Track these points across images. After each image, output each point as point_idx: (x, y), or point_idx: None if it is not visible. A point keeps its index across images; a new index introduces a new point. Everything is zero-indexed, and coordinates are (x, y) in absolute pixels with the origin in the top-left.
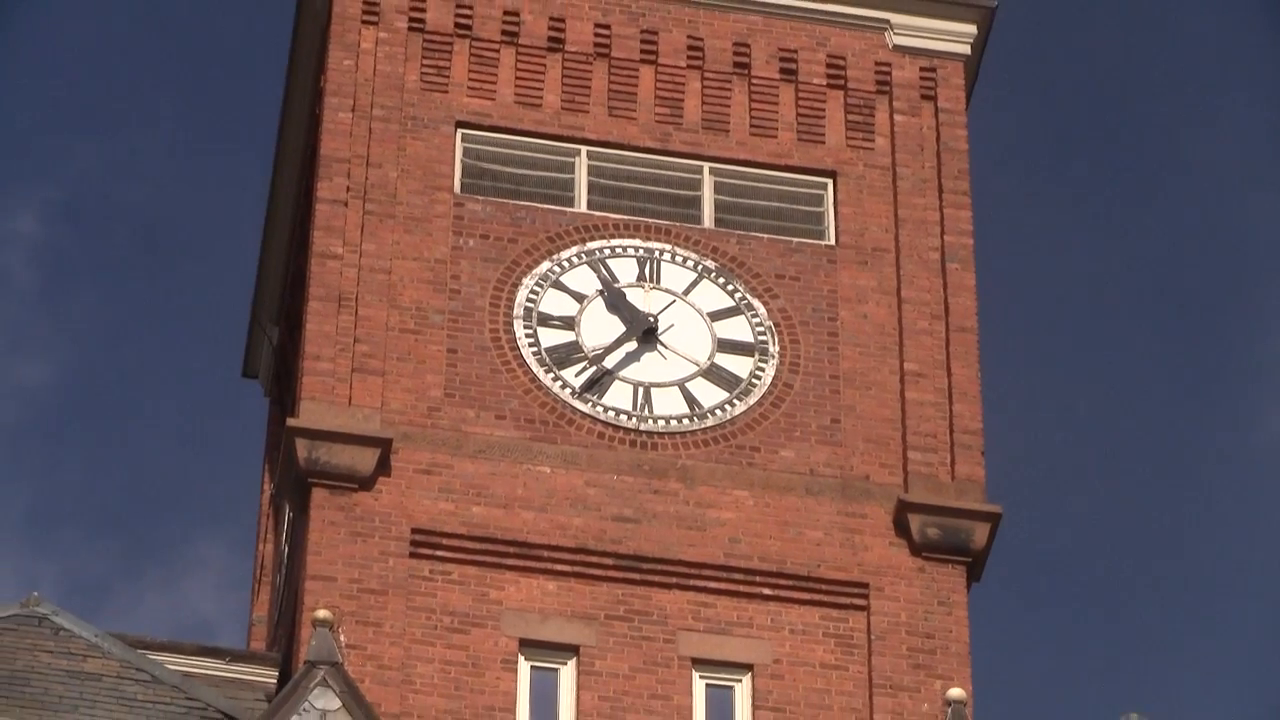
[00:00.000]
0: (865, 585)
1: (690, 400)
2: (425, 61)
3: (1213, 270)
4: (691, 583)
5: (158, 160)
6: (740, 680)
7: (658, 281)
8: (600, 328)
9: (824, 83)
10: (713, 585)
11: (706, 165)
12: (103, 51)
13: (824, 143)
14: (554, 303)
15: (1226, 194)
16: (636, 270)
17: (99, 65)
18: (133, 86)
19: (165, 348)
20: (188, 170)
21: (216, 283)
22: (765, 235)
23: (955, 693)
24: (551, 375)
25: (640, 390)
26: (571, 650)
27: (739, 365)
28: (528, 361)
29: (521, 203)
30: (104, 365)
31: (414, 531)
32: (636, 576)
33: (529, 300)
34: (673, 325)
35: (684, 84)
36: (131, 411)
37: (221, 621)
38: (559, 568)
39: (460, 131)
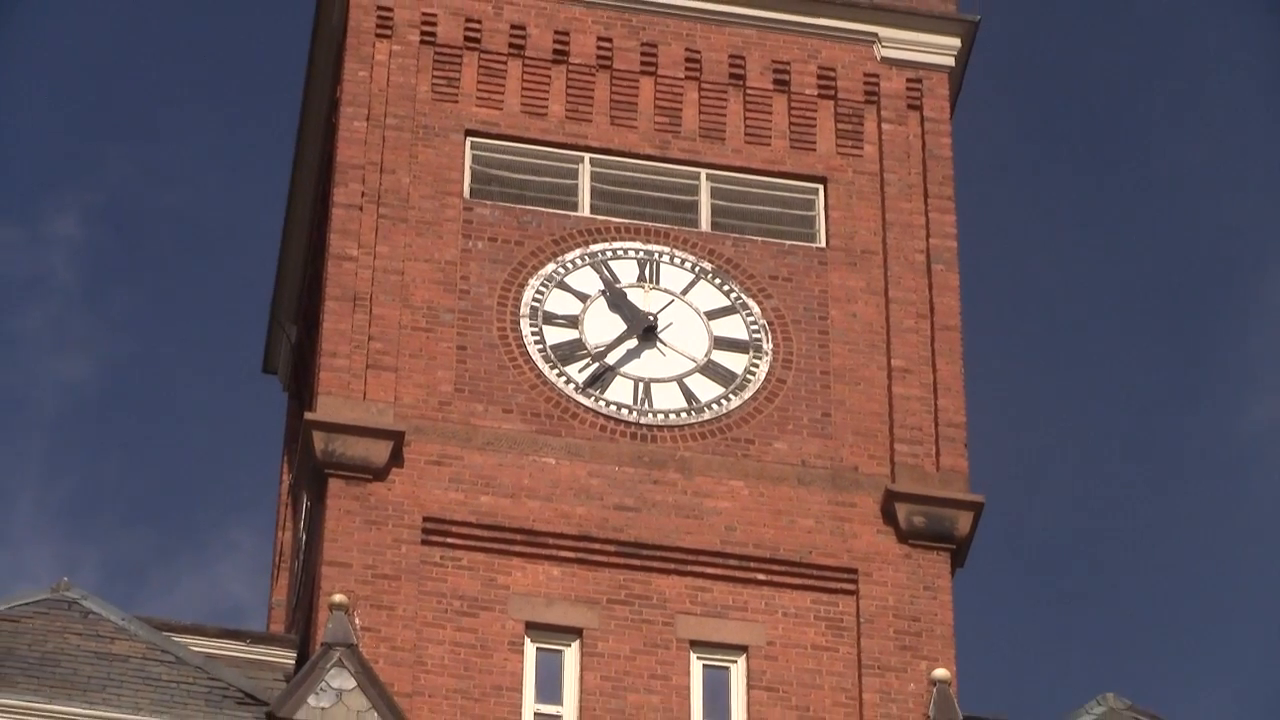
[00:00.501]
0: (854, 571)
1: (688, 395)
2: (436, 73)
3: (1193, 269)
4: (689, 568)
5: (187, 167)
6: (735, 661)
7: (657, 282)
8: (602, 326)
9: (815, 93)
10: (709, 571)
11: (703, 171)
12: (137, 66)
13: (815, 150)
14: (558, 302)
15: (1206, 196)
16: (637, 271)
17: (134, 79)
18: (164, 98)
19: (193, 344)
20: (213, 176)
21: (238, 283)
22: (759, 238)
23: (940, 673)
24: (556, 371)
25: (640, 385)
26: (575, 633)
27: (734, 362)
28: (533, 358)
29: (527, 207)
30: (139, 361)
31: (425, 520)
32: (637, 562)
33: (535, 300)
34: (671, 324)
35: (682, 94)
36: (164, 405)
37: (253, 604)
38: (563, 554)
39: (469, 139)
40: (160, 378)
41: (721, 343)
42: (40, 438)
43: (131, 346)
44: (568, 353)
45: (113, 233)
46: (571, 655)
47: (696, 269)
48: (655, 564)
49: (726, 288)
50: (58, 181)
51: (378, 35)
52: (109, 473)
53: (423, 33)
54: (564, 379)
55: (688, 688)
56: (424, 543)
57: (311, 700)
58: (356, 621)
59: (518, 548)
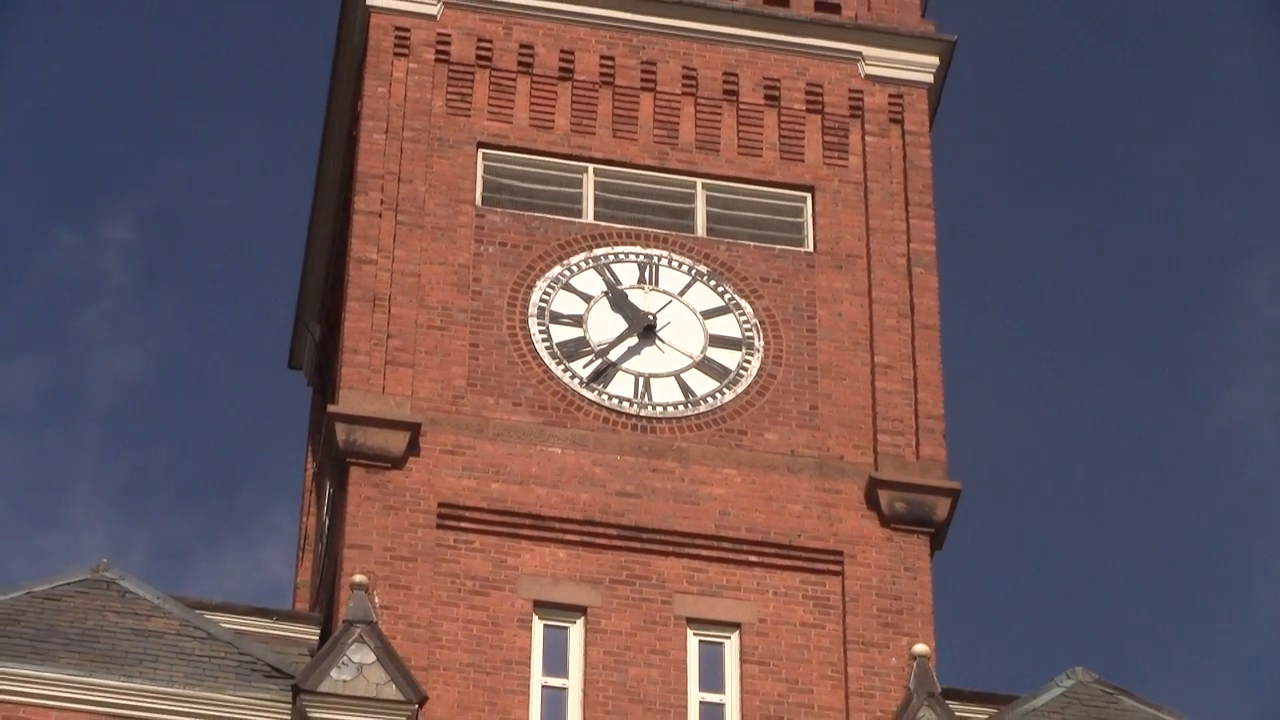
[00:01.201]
0: (840, 553)
1: (685, 389)
2: (450, 89)
3: (1167, 270)
4: (686, 551)
5: (225, 176)
6: (729, 637)
7: (656, 284)
8: (605, 325)
9: (803, 108)
10: (705, 553)
11: (699, 181)
12: (182, 86)
13: (803, 161)
14: (564, 303)
15: (1181, 200)
16: (637, 274)
17: (180, 97)
18: (206, 114)
19: (231, 341)
20: (245, 185)
21: (266, 284)
22: (751, 243)
23: (920, 648)
24: (562, 367)
25: (641, 380)
26: (580, 611)
27: (728, 358)
28: (541, 355)
29: (535, 214)
30: (185, 356)
31: (440, 505)
32: (637, 545)
33: (542, 300)
34: (669, 323)
35: (679, 109)
36: (208, 397)
37: (290, 583)
38: (569, 537)
39: (481, 151)
40: (204, 371)
41: (716, 340)
42: (94, 427)
43: (178, 343)
44: (573, 350)
45: (162, 237)
46: (576, 632)
47: (693, 271)
48: (654, 546)
49: (721, 289)
50: (113, 189)
51: (396, 54)
52: (157, 460)
53: (438, 51)
54: (569, 374)
55: (685, 662)
56: (439, 527)
57: (334, 674)
58: (376, 600)
59: (526, 531)
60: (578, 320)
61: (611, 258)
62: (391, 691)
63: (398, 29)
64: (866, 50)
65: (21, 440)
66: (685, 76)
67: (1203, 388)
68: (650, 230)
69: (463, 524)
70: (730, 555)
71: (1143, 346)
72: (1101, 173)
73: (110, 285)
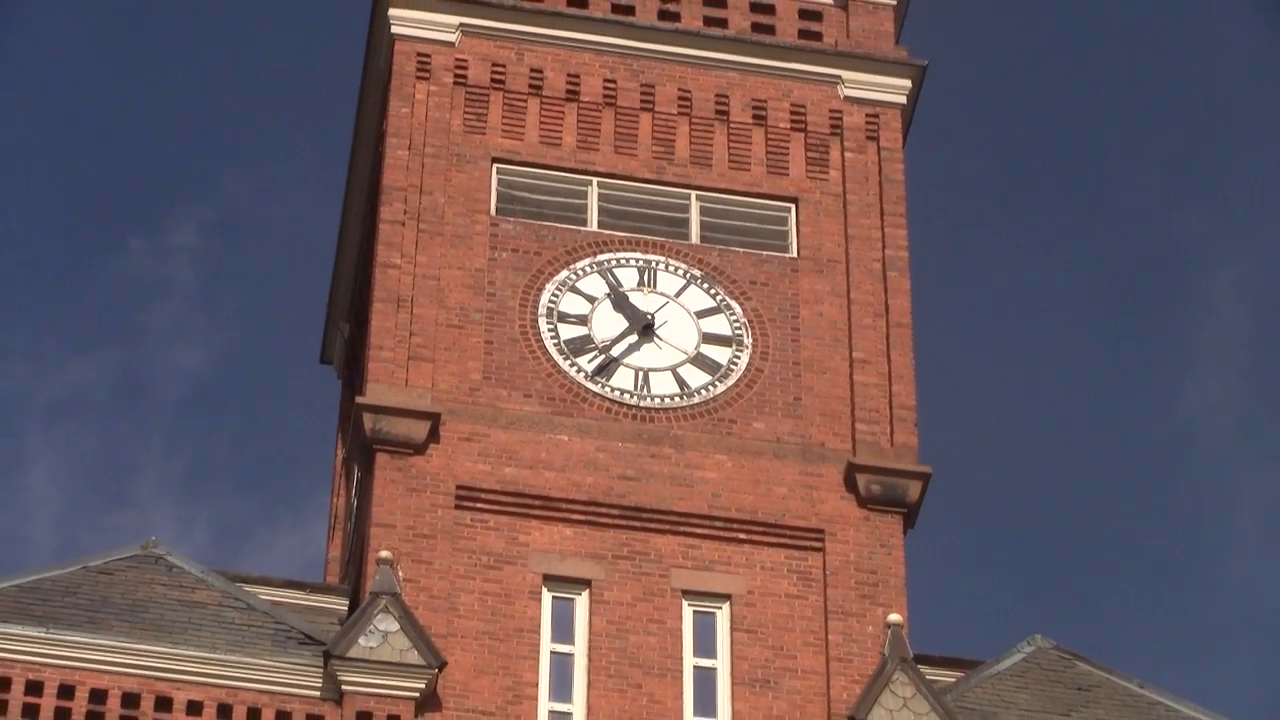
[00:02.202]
0: (821, 531)
1: (680, 382)
2: (467, 109)
3: (1135, 271)
4: (681, 529)
5: (274, 190)
6: (721, 608)
7: (654, 286)
8: (608, 324)
9: (788, 126)
10: (699, 531)
11: (693, 193)
12: (236, 109)
13: (788, 175)
14: (570, 303)
15: (1146, 211)
16: (637, 277)
17: (235, 120)
18: (255, 134)
19: (277, 338)
20: (284, 197)
21: (299, 286)
22: (741, 249)
23: (894, 618)
24: (569, 362)
25: (640, 374)
26: (585, 583)
27: (720, 354)
28: (549, 351)
29: (544, 223)
30: (241, 352)
31: (458, 488)
32: (637, 524)
33: (550, 301)
34: (666, 322)
35: (675, 127)
36: (259, 389)
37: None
38: (575, 517)
39: (495, 165)
40: (257, 366)
41: (709, 338)
42: (162, 417)
43: (235, 340)
44: (578, 346)
45: (223, 243)
46: (582, 603)
47: (688, 275)
48: (653, 525)
49: (713, 291)
50: (179, 199)
51: (418, 77)
52: (217, 446)
53: (455, 75)
54: (575, 369)
55: (680, 630)
56: (457, 507)
57: (362, 641)
58: (400, 574)
59: (536, 511)
60: (583, 319)
61: (614, 262)
62: (414, 657)
63: (419, 54)
64: (845, 74)
65: (95, 428)
66: (681, 98)
67: (1168, 380)
68: (649, 237)
69: (478, 505)
70: (721, 533)
71: (1112, 343)
72: (1070, 183)
73: (175, 287)
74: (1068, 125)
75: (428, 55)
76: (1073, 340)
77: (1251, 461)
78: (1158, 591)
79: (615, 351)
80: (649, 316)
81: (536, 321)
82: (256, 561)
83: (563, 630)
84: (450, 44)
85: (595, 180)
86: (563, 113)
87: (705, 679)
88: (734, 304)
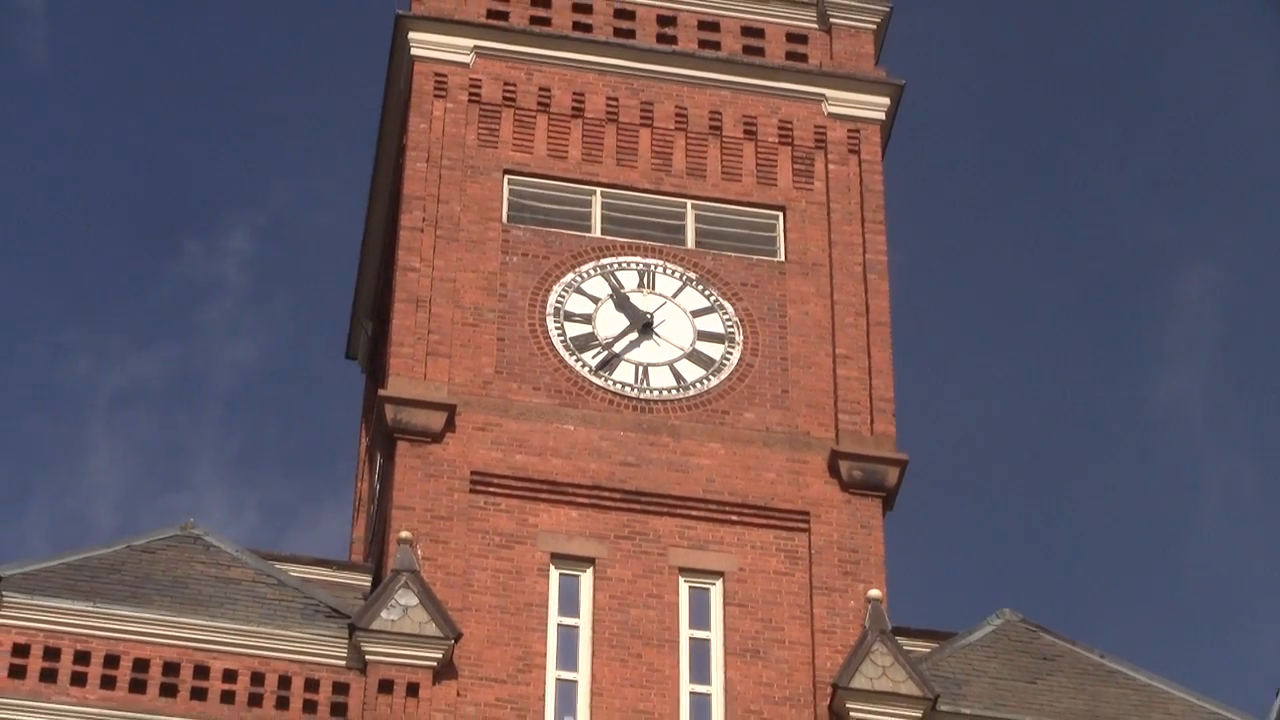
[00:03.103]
0: (807, 513)
1: (677, 376)
2: (481, 125)
3: (1110, 275)
4: (678, 511)
5: (317, 198)
6: (714, 584)
7: (653, 288)
8: (610, 322)
9: (776, 140)
10: (694, 513)
11: (689, 202)
12: (274, 126)
13: (776, 185)
14: (576, 304)
15: (1122, 211)
16: (637, 279)
17: (275, 135)
18: (301, 146)
19: (316, 336)
20: (322, 206)
21: (326, 288)
22: (733, 254)
23: (874, 593)
24: (574, 358)
25: (640, 369)
26: (589, 561)
27: (714, 350)
28: (556, 347)
29: (552, 230)
30: (287, 347)
31: (472, 473)
32: (637, 507)
33: (557, 302)
34: (664, 321)
35: (673, 141)
36: (303, 381)
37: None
38: (580, 500)
39: (506, 177)
40: (300, 360)
41: (703, 335)
42: (215, 407)
43: (282, 336)
44: (583, 343)
45: (272, 247)
46: (586, 579)
47: (684, 278)
48: (651, 508)
49: (707, 292)
50: (231, 206)
51: (435, 96)
52: (266, 434)
53: (470, 94)
54: (580, 364)
55: (677, 604)
56: (471, 491)
57: (384, 614)
58: (419, 553)
59: (544, 495)
60: (587, 318)
61: (616, 266)
62: (432, 629)
63: (437, 75)
64: (829, 93)
65: (154, 416)
66: (677, 114)
67: (1140, 374)
68: (648, 243)
69: (491, 489)
70: (715, 515)
71: (1086, 340)
72: (1045, 192)
73: (228, 287)
74: (1041, 138)
75: (444, 75)
76: (1049, 337)
77: (1218, 449)
78: (1126, 569)
79: (617, 348)
80: (648, 316)
81: (545, 320)
82: (300, 540)
83: (569, 604)
84: (465, 65)
85: (599, 190)
86: (569, 128)
87: (700, 649)
88: (726, 304)
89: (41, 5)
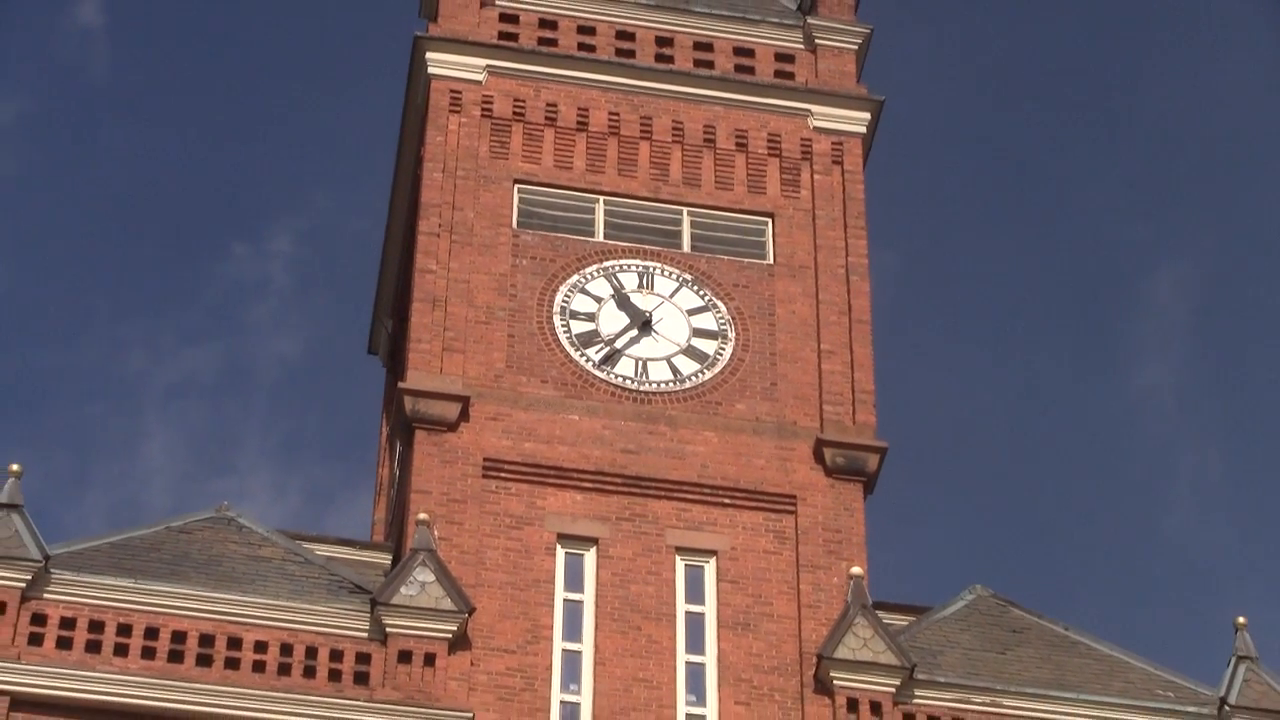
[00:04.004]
0: (794, 497)
1: (674, 370)
2: (492, 138)
3: (1086, 276)
4: (675, 495)
5: (355, 205)
6: (708, 562)
7: (652, 288)
8: (612, 320)
9: (765, 152)
10: (690, 497)
11: (685, 209)
12: (312, 140)
13: (765, 193)
14: (581, 303)
15: (1097, 221)
16: (637, 281)
17: (313, 148)
18: (341, 157)
19: (350, 332)
20: (360, 212)
21: (350, 289)
22: (725, 257)
23: (855, 570)
24: (579, 353)
25: (640, 363)
26: (593, 541)
27: (708, 346)
28: (563, 343)
29: (558, 234)
30: (326, 343)
31: (485, 460)
32: (637, 491)
33: (563, 302)
34: (662, 319)
35: (670, 153)
36: (339, 375)
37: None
38: (584, 484)
39: (516, 186)
40: (339, 355)
41: (698, 332)
42: (262, 398)
43: (322, 332)
44: (587, 340)
45: (312, 249)
46: (590, 558)
47: (680, 279)
48: (650, 491)
49: (702, 292)
50: (276, 211)
51: (450, 111)
52: (307, 423)
53: (483, 109)
54: (585, 359)
55: (674, 581)
56: (484, 476)
57: (403, 590)
58: (435, 533)
59: (551, 480)
60: (591, 317)
61: (617, 268)
62: (448, 604)
63: (452, 91)
64: (814, 108)
65: (204, 407)
66: (674, 128)
67: (1116, 367)
68: (647, 247)
69: (502, 474)
70: (709, 498)
71: (1065, 336)
72: (1021, 198)
73: (273, 287)
74: (1019, 148)
75: (459, 92)
76: (1027, 332)
77: (1188, 436)
78: (1094, 548)
79: (619, 344)
80: (647, 314)
81: (552, 318)
82: (337, 522)
83: (574, 581)
84: (478, 82)
85: (601, 198)
86: (574, 141)
87: (695, 622)
88: (720, 303)
89: (103, 27)
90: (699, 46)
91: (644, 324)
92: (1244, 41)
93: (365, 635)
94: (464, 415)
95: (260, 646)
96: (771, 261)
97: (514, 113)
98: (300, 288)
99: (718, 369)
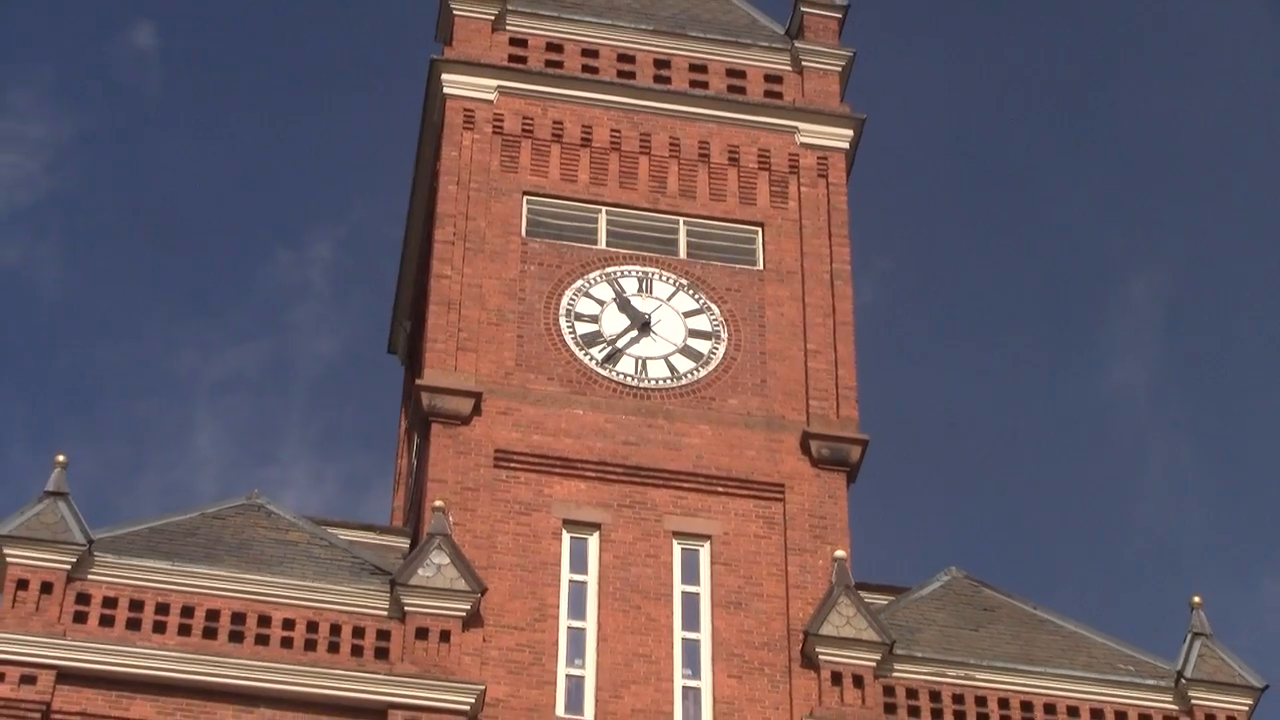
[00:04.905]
0: (782, 485)
1: (671, 368)
2: (503, 153)
3: (1065, 278)
4: (672, 484)
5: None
6: (703, 545)
7: (650, 292)
8: (614, 322)
9: (756, 166)
10: (686, 485)
11: (682, 219)
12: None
13: (756, 204)
14: (585, 306)
15: (1076, 225)
16: (637, 285)
17: (361, 158)
18: (377, 170)
19: (372, 334)
20: (395, 221)
21: (373, 293)
22: (719, 263)
23: (839, 554)
24: (583, 352)
25: (640, 361)
26: (596, 526)
27: (702, 346)
28: (568, 343)
29: (564, 243)
30: (361, 342)
31: (496, 451)
32: (637, 480)
33: (568, 305)
34: (660, 320)
35: (667, 167)
36: (373, 372)
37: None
38: (588, 474)
39: (525, 198)
40: (373, 354)
41: (694, 333)
42: (301, 394)
43: (357, 332)
44: (591, 340)
45: (350, 255)
46: (594, 541)
47: (677, 284)
48: (649, 480)
49: (697, 296)
50: (316, 219)
51: (464, 128)
52: (345, 416)
53: (494, 126)
54: (589, 357)
55: (671, 563)
56: (495, 466)
57: (421, 571)
58: (450, 519)
59: (557, 470)
60: (594, 319)
61: (619, 274)
62: (462, 584)
63: (465, 110)
64: (801, 125)
65: (249, 401)
66: (671, 144)
67: (1092, 366)
68: (646, 254)
69: (512, 464)
70: (704, 487)
71: (1045, 336)
72: (1003, 205)
73: (314, 291)
74: (999, 161)
75: (472, 110)
76: (1007, 332)
77: (1159, 428)
78: (1065, 534)
79: (620, 344)
80: (646, 316)
81: (558, 320)
82: (370, 508)
83: (578, 563)
84: (490, 102)
85: (604, 209)
86: (578, 155)
87: (691, 601)
88: (713, 306)
89: (156, 51)
90: (694, 68)
91: (643, 325)
92: (1212, 61)
93: (385, 613)
94: (476, 410)
95: (288, 624)
96: (761, 267)
97: (523, 130)
98: (338, 291)
99: (712, 367)
